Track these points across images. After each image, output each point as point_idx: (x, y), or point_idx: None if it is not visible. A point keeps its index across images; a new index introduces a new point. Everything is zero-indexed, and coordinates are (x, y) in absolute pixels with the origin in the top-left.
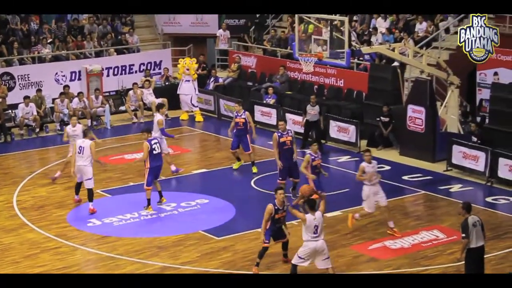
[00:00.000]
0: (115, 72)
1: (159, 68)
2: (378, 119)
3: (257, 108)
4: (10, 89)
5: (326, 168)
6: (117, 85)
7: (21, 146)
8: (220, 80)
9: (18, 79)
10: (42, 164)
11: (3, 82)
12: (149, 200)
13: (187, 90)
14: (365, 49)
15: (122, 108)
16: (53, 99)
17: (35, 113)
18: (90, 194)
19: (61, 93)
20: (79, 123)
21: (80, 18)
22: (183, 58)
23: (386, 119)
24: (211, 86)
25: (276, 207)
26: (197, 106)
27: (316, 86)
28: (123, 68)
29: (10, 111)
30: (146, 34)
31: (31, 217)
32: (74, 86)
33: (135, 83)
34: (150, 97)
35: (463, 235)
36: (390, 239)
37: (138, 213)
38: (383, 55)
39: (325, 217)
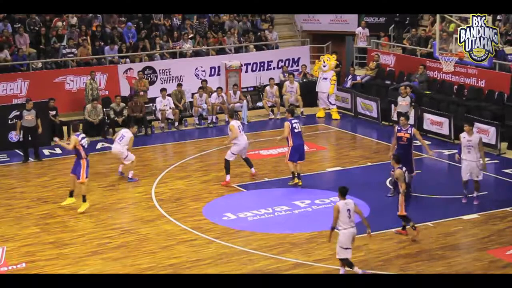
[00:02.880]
0: (254, 68)
1: (297, 65)
2: None
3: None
4: (152, 83)
5: None
6: (255, 81)
7: (160, 139)
8: (358, 78)
9: (160, 73)
10: (180, 157)
11: (145, 76)
12: (293, 172)
13: (324, 88)
14: (508, 49)
15: (259, 104)
16: (193, 94)
17: (172, 105)
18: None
19: (199, 88)
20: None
21: (221, 15)
22: (324, 55)
23: None
24: (349, 84)
25: None
26: (334, 104)
27: (456, 86)
28: (261, 64)
29: (151, 104)
30: (285, 31)
31: (168, 209)
32: (213, 81)
33: (271, 79)
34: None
35: None
36: None
37: (272, 208)
38: None
39: (461, 220)
